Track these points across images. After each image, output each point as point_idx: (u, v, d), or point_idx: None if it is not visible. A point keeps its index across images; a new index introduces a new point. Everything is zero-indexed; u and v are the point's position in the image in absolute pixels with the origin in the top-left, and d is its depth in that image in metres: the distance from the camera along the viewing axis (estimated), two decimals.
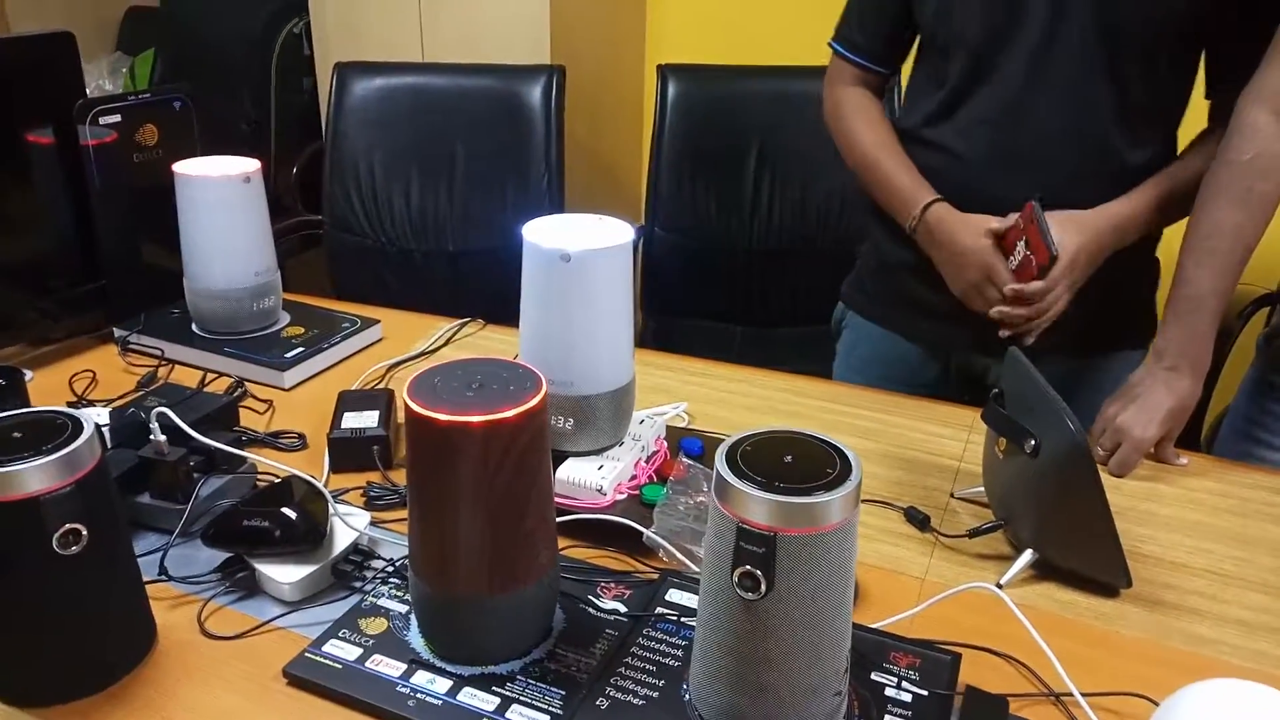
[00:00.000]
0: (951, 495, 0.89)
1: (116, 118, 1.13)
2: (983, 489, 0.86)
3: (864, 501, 0.87)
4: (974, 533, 0.81)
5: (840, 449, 0.56)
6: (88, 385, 1.07)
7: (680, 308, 1.83)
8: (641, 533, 0.76)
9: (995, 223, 1.02)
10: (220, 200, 1.09)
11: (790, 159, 1.72)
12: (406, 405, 0.59)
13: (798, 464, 0.54)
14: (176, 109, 1.20)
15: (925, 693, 0.62)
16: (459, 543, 0.61)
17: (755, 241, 1.75)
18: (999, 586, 0.76)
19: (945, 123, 1.09)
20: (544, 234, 0.79)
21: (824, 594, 0.53)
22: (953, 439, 0.99)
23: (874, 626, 0.69)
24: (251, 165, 1.11)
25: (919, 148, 1.12)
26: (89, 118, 1.10)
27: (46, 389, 1.06)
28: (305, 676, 0.64)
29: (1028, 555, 0.77)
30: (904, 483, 0.91)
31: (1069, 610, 0.74)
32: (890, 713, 0.60)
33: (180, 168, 1.09)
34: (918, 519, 0.84)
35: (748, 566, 0.53)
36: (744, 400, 1.08)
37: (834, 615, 0.55)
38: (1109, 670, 0.67)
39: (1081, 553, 0.75)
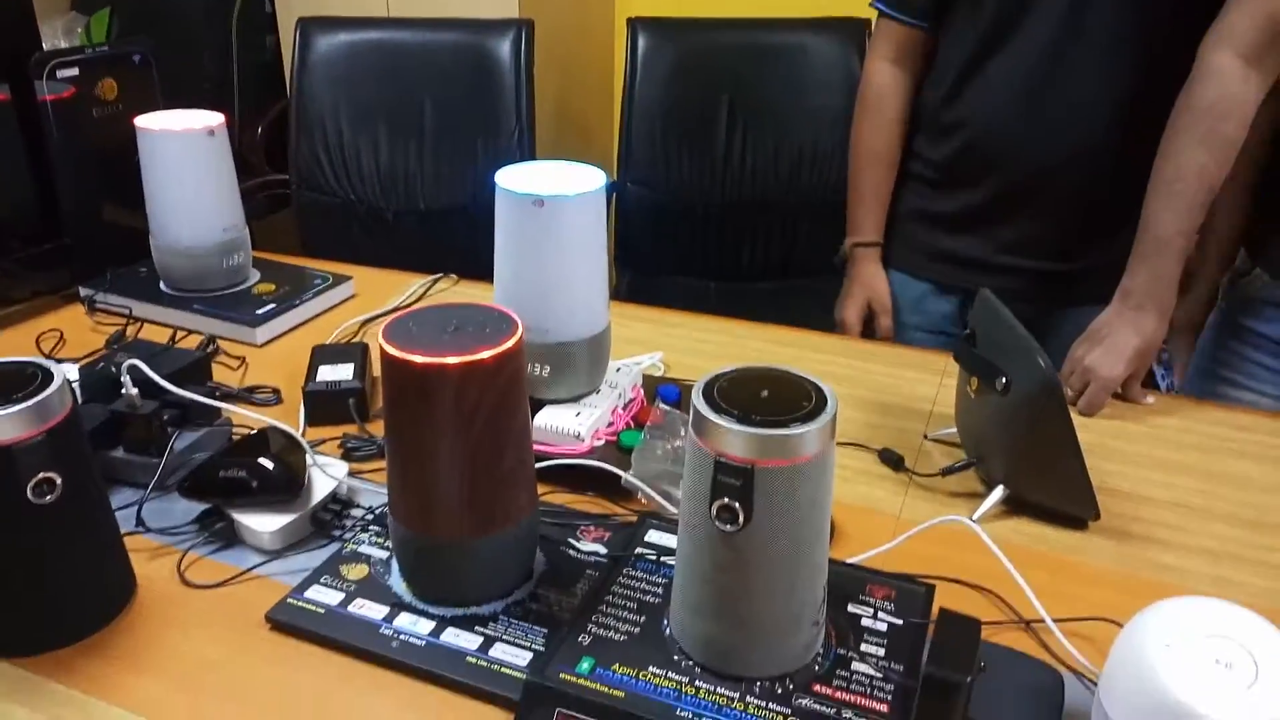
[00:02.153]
0: (925, 437, 0.90)
1: (74, 72, 1.10)
2: (955, 431, 0.88)
3: (839, 444, 0.88)
4: (946, 471, 0.82)
5: (816, 383, 0.56)
6: (55, 344, 1.05)
7: (654, 263, 1.82)
8: (620, 476, 0.77)
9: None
10: (184, 154, 1.07)
11: (763, 112, 1.71)
12: (382, 349, 0.59)
13: (774, 398, 0.55)
14: (136, 63, 1.17)
15: (900, 622, 0.63)
16: (438, 486, 0.61)
17: (728, 195, 1.75)
18: (972, 521, 0.77)
19: (976, 78, 1.10)
20: (516, 180, 0.78)
21: (801, 525, 0.54)
22: (926, 383, 1.00)
23: (850, 561, 0.70)
24: (215, 119, 1.09)
25: (949, 107, 1.14)
26: (45, 72, 1.07)
27: (13, 348, 1.04)
28: (288, 621, 0.64)
29: (999, 491, 0.78)
30: (878, 425, 0.92)
31: (1039, 543, 0.76)
32: (867, 641, 0.62)
33: (142, 121, 1.06)
34: (892, 459, 0.85)
35: (725, 499, 0.53)
36: (719, 350, 1.08)
37: (811, 546, 0.56)
38: (1078, 598, 0.69)
39: (1051, 486, 0.77)
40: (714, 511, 0.54)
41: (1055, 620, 0.64)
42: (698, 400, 0.54)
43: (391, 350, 0.58)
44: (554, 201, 0.76)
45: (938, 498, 0.81)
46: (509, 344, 0.60)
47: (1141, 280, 0.96)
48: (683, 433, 0.79)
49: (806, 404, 0.54)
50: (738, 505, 0.53)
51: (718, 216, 1.76)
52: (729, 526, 0.54)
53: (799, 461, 0.53)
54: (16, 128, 1.09)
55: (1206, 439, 0.91)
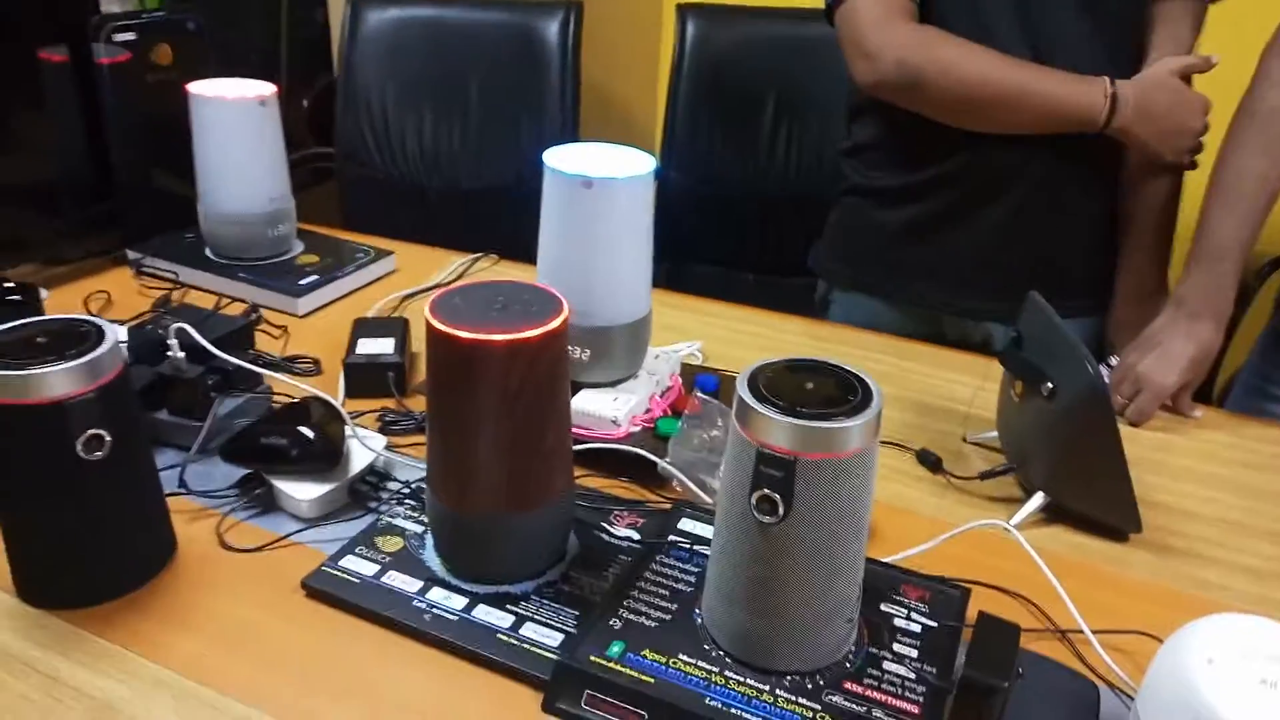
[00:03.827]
0: (964, 439, 0.89)
1: (131, 36, 1.11)
2: (994, 434, 0.87)
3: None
4: (985, 475, 0.81)
5: (862, 378, 0.56)
6: (103, 305, 1.07)
7: (694, 253, 1.81)
8: (656, 463, 0.77)
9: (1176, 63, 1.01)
10: (235, 122, 1.08)
11: (810, 105, 1.69)
12: (429, 323, 0.59)
13: (818, 391, 0.54)
14: (191, 29, 1.18)
15: (934, 624, 0.63)
16: (479, 461, 0.61)
17: (771, 188, 1.73)
18: (1010, 528, 0.76)
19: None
20: (565, 160, 0.78)
21: (840, 520, 0.54)
22: (964, 385, 0.99)
23: (886, 560, 0.69)
24: (267, 88, 1.09)
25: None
26: (103, 35, 1.09)
27: (61, 307, 1.06)
28: (323, 589, 0.65)
29: (1039, 498, 0.77)
30: (916, 425, 0.91)
31: (1078, 552, 0.75)
32: (899, 641, 0.61)
33: (195, 88, 1.07)
34: (930, 460, 0.84)
35: (766, 490, 0.53)
36: (758, 341, 1.08)
37: (849, 542, 0.55)
38: (1115, 610, 0.68)
39: (1093, 496, 0.75)
40: (754, 502, 0.54)
41: (1094, 632, 0.63)
42: (742, 389, 0.54)
43: (439, 325, 0.58)
44: (603, 183, 0.76)
45: (975, 501, 0.80)
46: (555, 324, 0.60)
47: (1198, 287, 0.94)
48: (719, 423, 0.79)
49: (852, 398, 0.54)
50: (778, 497, 0.53)
51: (759, 209, 1.75)
52: (768, 518, 0.53)
53: (842, 456, 0.52)
54: (73, 89, 1.11)
55: (1252, 455, 0.90)
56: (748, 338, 1.08)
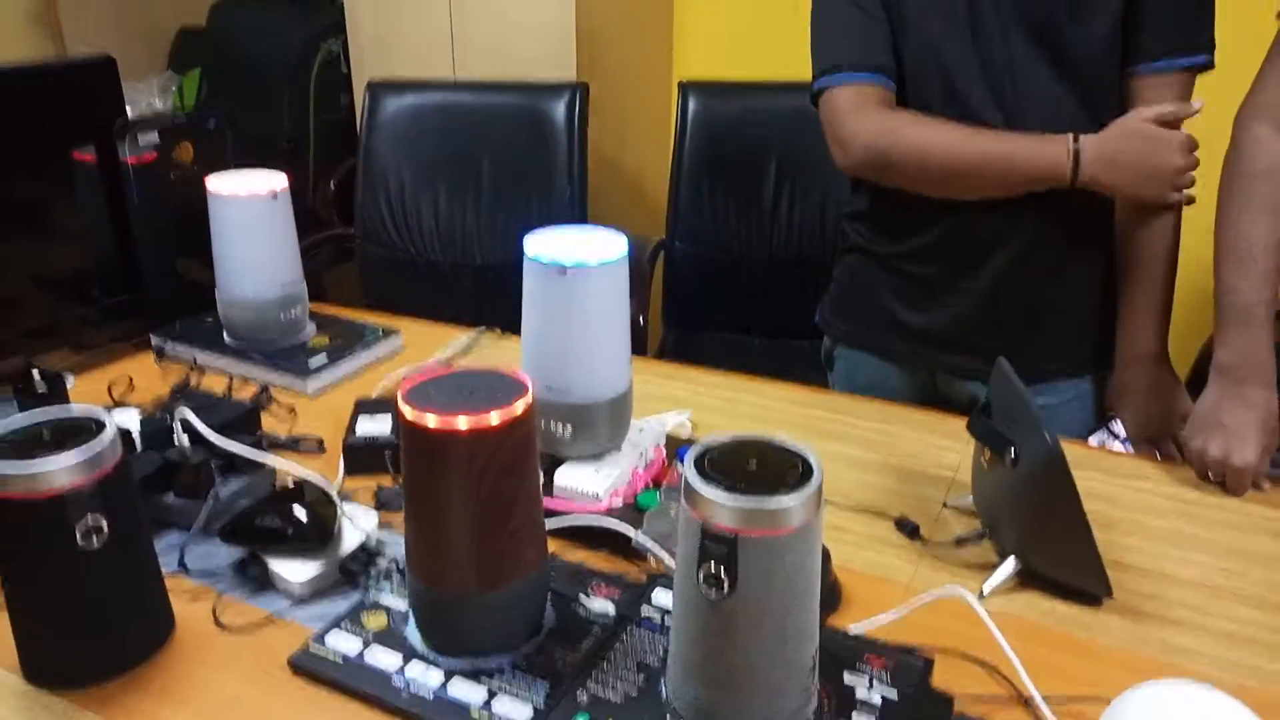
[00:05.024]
0: (944, 504, 0.91)
1: (155, 137, 1.19)
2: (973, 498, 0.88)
3: (856, 510, 0.90)
4: (959, 541, 0.82)
5: (804, 455, 0.58)
6: (125, 390, 1.13)
7: (700, 319, 1.86)
8: (630, 538, 0.79)
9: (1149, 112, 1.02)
10: (249, 215, 1.15)
11: (809, 172, 1.74)
12: (400, 411, 0.63)
13: (762, 468, 0.57)
14: (211, 128, 1.26)
15: (895, 694, 0.64)
16: (449, 540, 0.65)
17: (775, 253, 1.78)
18: (981, 595, 0.77)
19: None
20: (542, 247, 0.82)
21: (786, 593, 0.56)
22: (950, 449, 1.01)
23: (851, 629, 0.71)
24: (279, 181, 1.16)
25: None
26: (128, 136, 1.17)
27: (87, 393, 1.12)
28: (307, 667, 0.68)
29: (1010, 563, 0.78)
30: (898, 492, 0.93)
31: (1049, 618, 0.75)
32: (860, 711, 0.63)
33: (212, 184, 1.14)
34: (907, 528, 0.86)
35: (711, 566, 0.55)
36: (748, 410, 1.10)
37: (798, 614, 0.57)
38: (1081, 676, 0.68)
39: (1062, 562, 0.76)
40: (700, 577, 0.56)
41: (1045, 697, 0.64)
42: (688, 467, 0.57)
43: (408, 413, 0.62)
44: (577, 270, 0.80)
45: (950, 568, 0.82)
46: (519, 409, 0.63)
47: (1236, 352, 0.94)
48: None
49: (793, 475, 0.56)
50: (723, 572, 0.55)
51: (764, 273, 1.79)
52: (714, 593, 0.56)
53: (782, 532, 0.55)
54: (100, 186, 1.19)
55: (1241, 516, 0.90)
56: (742, 406, 1.11)
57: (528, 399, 0.64)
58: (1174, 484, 0.95)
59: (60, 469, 0.62)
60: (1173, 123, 1.01)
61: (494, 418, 0.62)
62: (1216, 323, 0.97)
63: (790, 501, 0.54)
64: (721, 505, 0.54)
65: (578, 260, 0.80)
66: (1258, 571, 0.82)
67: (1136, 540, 0.85)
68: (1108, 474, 0.97)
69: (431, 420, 0.61)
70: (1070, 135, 1.02)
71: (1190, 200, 1.05)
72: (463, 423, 0.61)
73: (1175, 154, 1.01)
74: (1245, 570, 0.82)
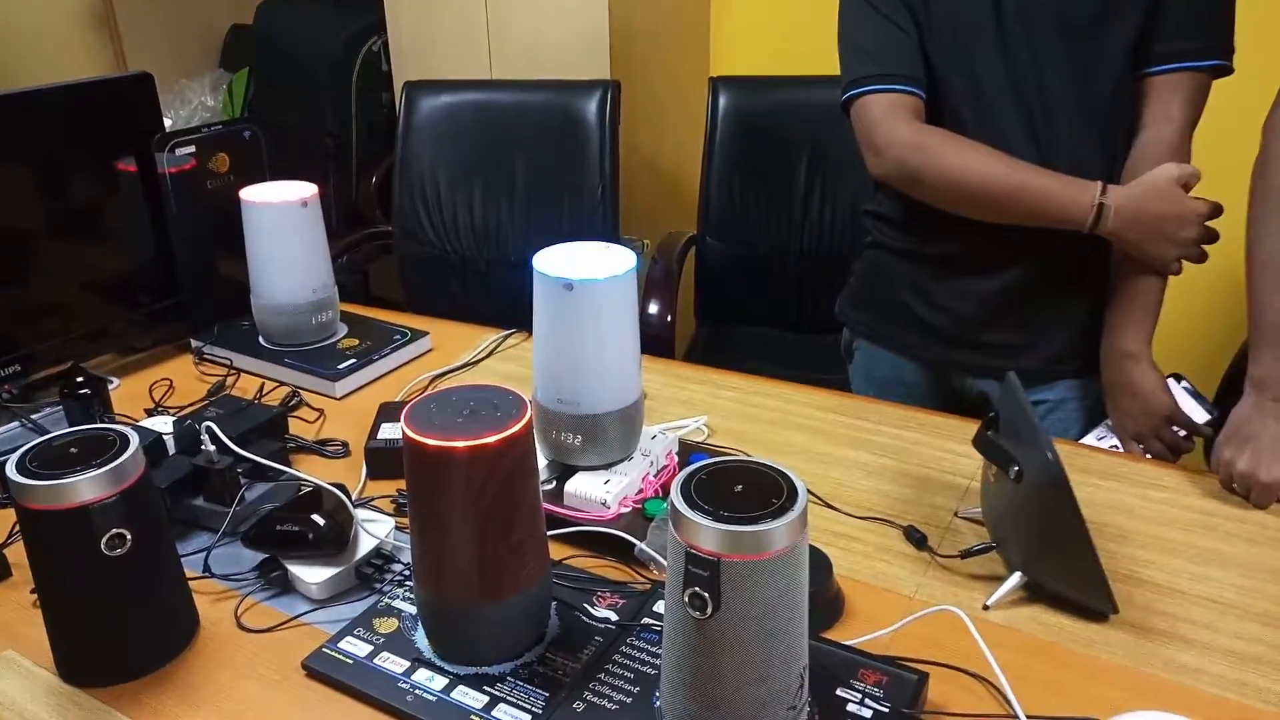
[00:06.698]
0: (955, 514, 0.91)
1: (191, 148, 1.23)
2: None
3: (865, 519, 0.90)
4: (966, 553, 0.82)
5: (790, 478, 0.59)
6: (165, 392, 1.17)
7: (733, 315, 1.86)
8: (635, 546, 0.81)
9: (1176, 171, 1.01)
10: (280, 223, 1.18)
11: (841, 166, 1.73)
12: (403, 430, 0.65)
13: (747, 493, 0.58)
14: (246, 138, 1.30)
15: (887, 709, 0.65)
16: (451, 555, 0.67)
17: (806, 248, 1.77)
18: (985, 608, 0.77)
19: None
20: (551, 263, 0.84)
21: (769, 616, 0.57)
22: (967, 456, 1.00)
23: (847, 643, 0.72)
24: (309, 190, 1.19)
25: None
26: (167, 148, 1.21)
27: (129, 394, 1.17)
28: (320, 669, 0.71)
29: (1015, 578, 0.78)
30: (911, 500, 0.93)
31: (1052, 633, 0.75)
32: None
33: (246, 194, 1.18)
34: (915, 537, 0.86)
35: (695, 588, 0.57)
36: (766, 414, 1.11)
37: (782, 635, 0.58)
38: (1078, 696, 0.68)
39: (1066, 577, 0.76)
40: (686, 598, 0.57)
41: (1030, 716, 0.64)
42: (675, 493, 0.58)
43: (409, 433, 0.65)
44: (583, 285, 0.82)
45: (957, 579, 0.82)
46: (516, 428, 0.65)
47: (1271, 367, 0.93)
48: None
49: (776, 500, 0.57)
50: (706, 595, 0.56)
51: (795, 268, 1.79)
52: (699, 614, 0.57)
53: (764, 557, 0.56)
54: (141, 196, 1.23)
55: (1259, 530, 0.88)
56: (758, 410, 1.12)
57: (525, 418, 0.66)
58: (1195, 494, 0.93)
59: (84, 481, 0.65)
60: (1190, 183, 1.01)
61: (492, 438, 0.64)
62: (1250, 338, 0.95)
63: (772, 527, 0.55)
64: (705, 529, 0.56)
65: (585, 276, 0.82)
66: (1271, 588, 0.80)
67: (1151, 554, 0.84)
68: (1127, 482, 0.96)
69: (431, 440, 0.64)
70: (1097, 186, 1.01)
71: (1178, 272, 1.05)
72: (461, 443, 0.63)
73: (1193, 227, 1.01)
74: (1258, 586, 0.80)
